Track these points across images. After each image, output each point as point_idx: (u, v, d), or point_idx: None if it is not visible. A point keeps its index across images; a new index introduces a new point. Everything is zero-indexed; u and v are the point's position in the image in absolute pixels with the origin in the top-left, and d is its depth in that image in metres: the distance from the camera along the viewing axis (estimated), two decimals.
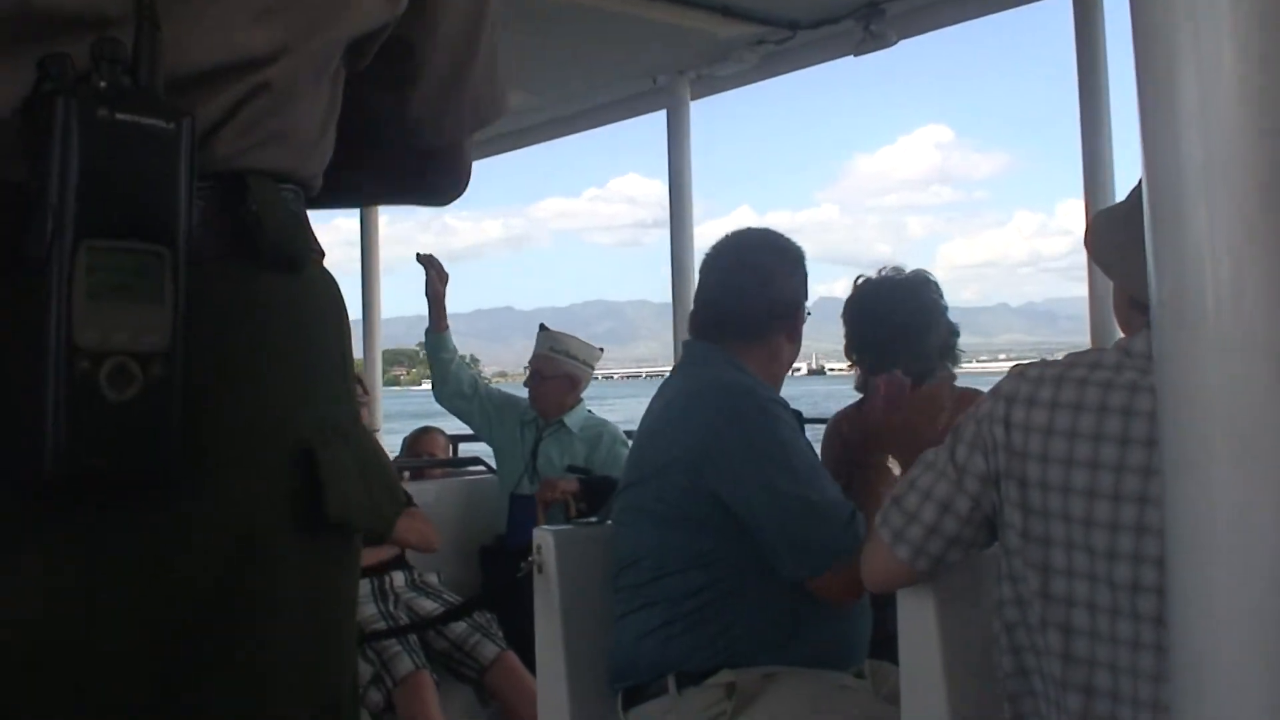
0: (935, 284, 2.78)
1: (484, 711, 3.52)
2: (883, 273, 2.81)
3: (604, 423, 4.12)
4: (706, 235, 2.75)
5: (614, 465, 3.94)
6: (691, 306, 2.45)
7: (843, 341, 2.79)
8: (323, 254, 0.86)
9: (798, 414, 2.30)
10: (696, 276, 2.48)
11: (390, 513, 0.85)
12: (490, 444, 4.16)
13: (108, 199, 0.66)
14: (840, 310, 2.80)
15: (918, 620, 1.76)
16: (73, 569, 0.68)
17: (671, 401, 2.27)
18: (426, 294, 4.06)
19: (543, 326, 4.14)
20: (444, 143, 1.00)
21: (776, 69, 4.13)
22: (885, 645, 2.24)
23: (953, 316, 2.79)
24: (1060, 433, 1.52)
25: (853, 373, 2.79)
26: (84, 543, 0.68)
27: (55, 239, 0.65)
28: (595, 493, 3.70)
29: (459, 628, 3.49)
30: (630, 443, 4.14)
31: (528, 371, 4.07)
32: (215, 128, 0.74)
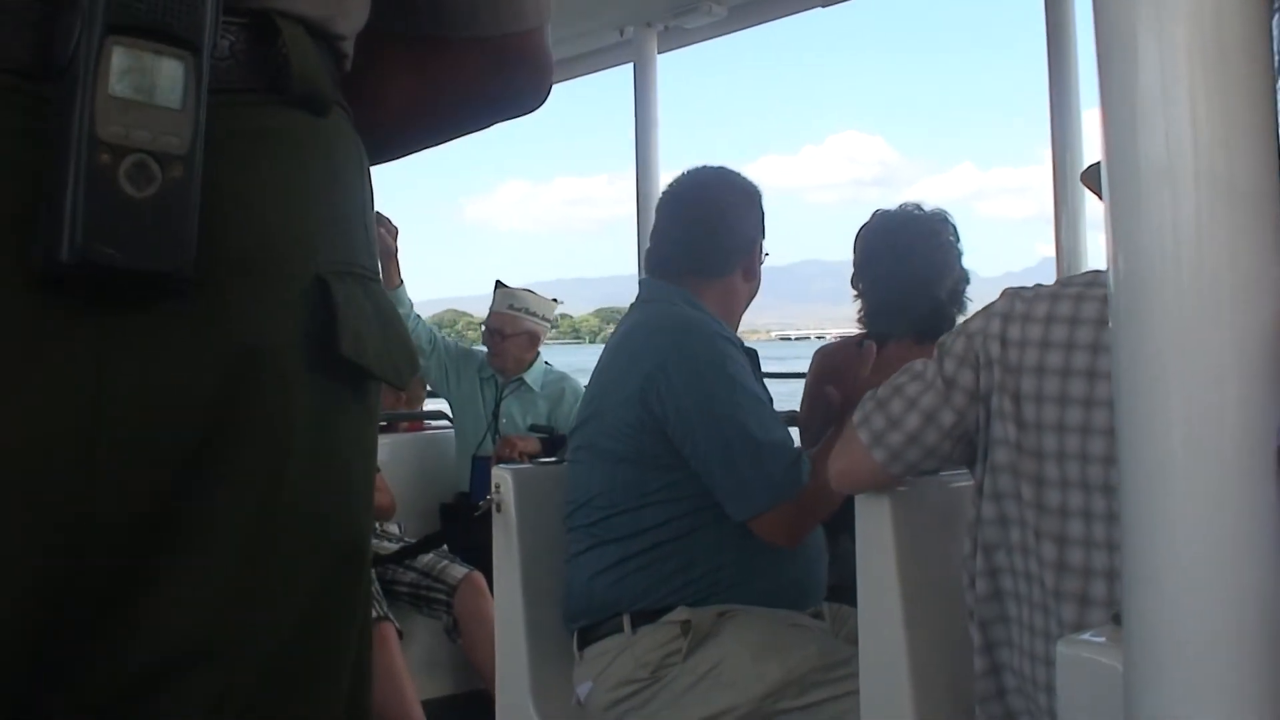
0: (953, 225, 2.62)
1: (451, 648, 3.54)
2: (902, 208, 2.69)
3: (564, 376, 4.09)
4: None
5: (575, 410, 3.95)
6: None
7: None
8: (349, 112, 0.86)
9: (753, 354, 2.29)
10: None
11: (406, 369, 0.84)
12: (449, 400, 4.12)
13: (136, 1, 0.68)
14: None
15: (876, 555, 1.76)
16: (77, 383, 0.68)
17: (623, 338, 2.26)
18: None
19: (499, 284, 4.11)
20: (504, 31, 0.96)
21: (745, 21, 4.08)
22: (844, 590, 2.24)
23: None
24: (1056, 345, 1.52)
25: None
26: (92, 356, 0.68)
27: (83, 34, 0.67)
28: (557, 450, 3.69)
29: (425, 558, 3.54)
30: None
31: (485, 331, 4.04)
32: None
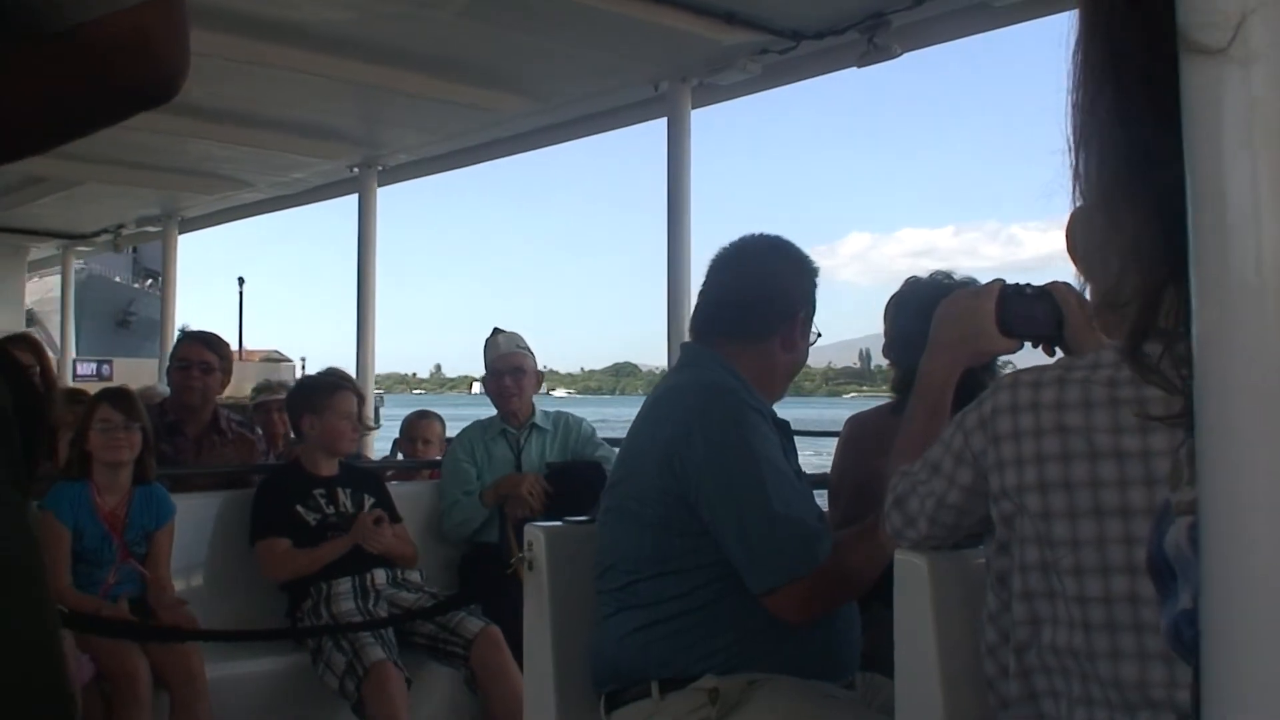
0: None
1: (470, 701, 3.52)
2: (934, 276, 2.72)
3: (561, 412, 4.19)
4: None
5: (588, 445, 3.99)
6: (686, 319, 2.44)
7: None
8: None
9: (784, 426, 2.28)
10: (693, 288, 2.46)
11: None
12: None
13: None
14: None
15: (914, 628, 1.73)
16: None
17: (654, 402, 2.25)
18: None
19: (497, 330, 4.15)
20: (72, 20, 0.88)
21: (779, 79, 4.12)
22: (878, 659, 2.21)
23: None
24: (1049, 430, 1.51)
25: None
26: None
27: None
28: (565, 477, 3.71)
29: (410, 597, 3.57)
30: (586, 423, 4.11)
31: (493, 378, 4.06)
32: None
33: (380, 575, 3.63)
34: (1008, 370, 2.52)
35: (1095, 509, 1.48)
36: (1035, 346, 1.97)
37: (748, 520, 2.02)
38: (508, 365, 4.03)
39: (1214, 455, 0.68)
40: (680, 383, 2.25)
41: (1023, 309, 1.92)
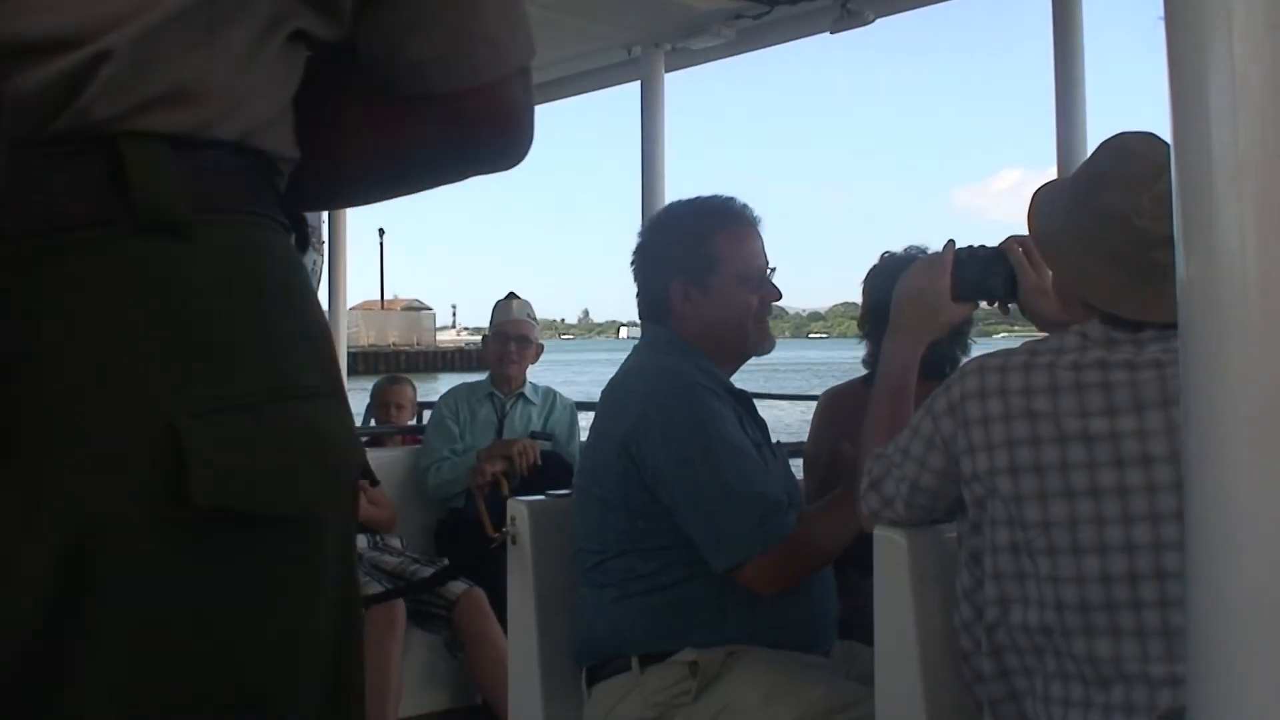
0: None
1: (450, 662, 3.56)
2: (908, 250, 2.71)
3: (550, 389, 4.21)
4: None
5: (567, 428, 4.02)
6: None
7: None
8: (265, 214, 0.82)
9: (744, 395, 2.29)
10: None
11: (310, 489, 0.78)
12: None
13: None
14: None
15: (893, 602, 1.77)
16: None
17: (614, 385, 2.28)
18: None
19: (513, 294, 4.16)
20: (453, 87, 0.92)
21: (753, 44, 4.11)
22: (854, 626, 2.25)
23: None
24: (1018, 415, 1.54)
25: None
26: None
27: None
28: (555, 463, 3.72)
29: (426, 573, 3.59)
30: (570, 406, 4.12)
31: (498, 341, 4.06)
32: (68, 92, 0.70)
33: (360, 540, 3.66)
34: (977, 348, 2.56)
35: (1066, 491, 1.52)
36: (990, 305, 2.00)
37: (705, 501, 2.05)
38: (516, 331, 4.06)
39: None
40: (634, 366, 2.29)
41: (975, 272, 1.94)
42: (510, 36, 0.92)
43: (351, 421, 0.88)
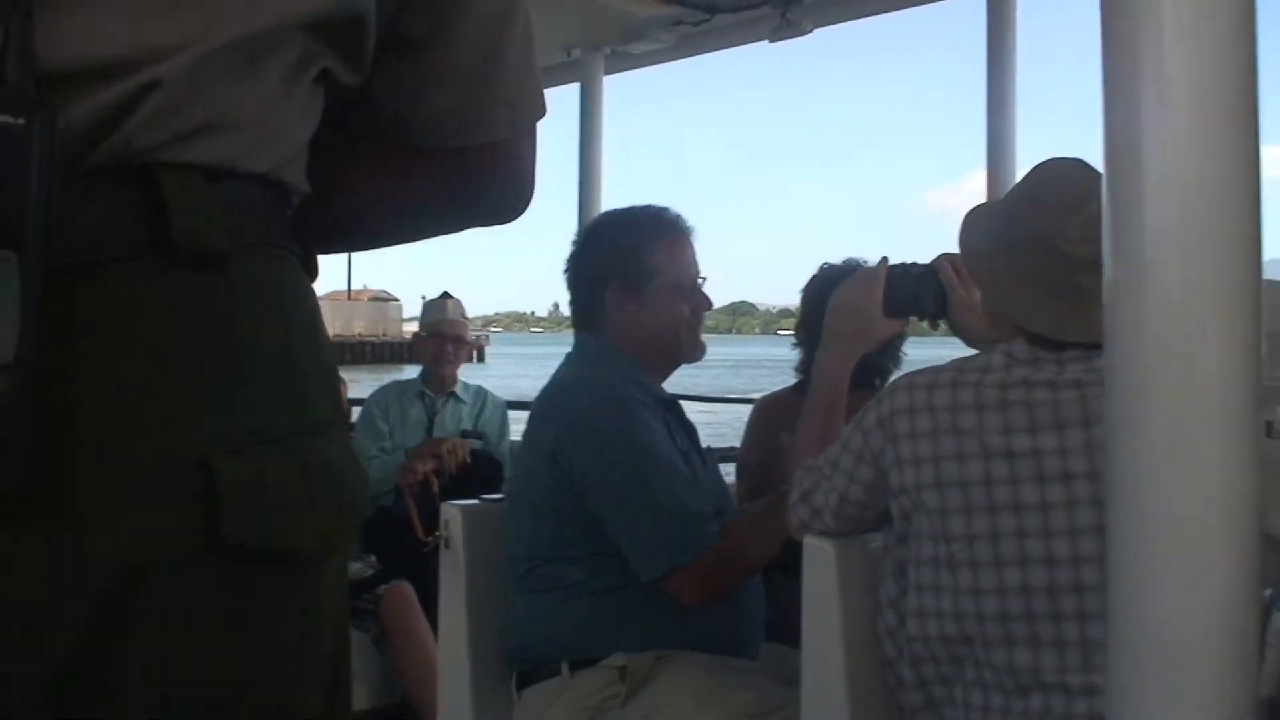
0: None
1: (375, 659, 3.53)
2: (847, 262, 2.77)
3: (481, 388, 4.19)
4: None
5: (498, 428, 4.01)
6: None
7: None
8: (294, 248, 0.82)
9: (674, 403, 2.32)
10: None
11: (328, 525, 0.78)
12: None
13: None
14: None
15: (820, 609, 1.81)
16: None
17: (546, 396, 2.30)
18: None
19: (446, 294, 4.15)
20: (468, 142, 0.93)
21: (692, 49, 4.14)
22: (781, 628, 2.29)
23: None
24: (944, 431, 1.59)
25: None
26: None
27: None
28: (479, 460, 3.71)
29: (352, 567, 3.51)
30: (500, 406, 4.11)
31: (434, 339, 4.05)
32: (111, 122, 0.70)
33: None
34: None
35: (989, 505, 1.56)
36: (921, 321, 2.04)
37: (631, 512, 2.08)
38: (453, 331, 4.06)
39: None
40: (565, 376, 2.31)
41: (907, 289, 1.98)
42: (526, 96, 0.94)
43: (354, 450, 0.87)
